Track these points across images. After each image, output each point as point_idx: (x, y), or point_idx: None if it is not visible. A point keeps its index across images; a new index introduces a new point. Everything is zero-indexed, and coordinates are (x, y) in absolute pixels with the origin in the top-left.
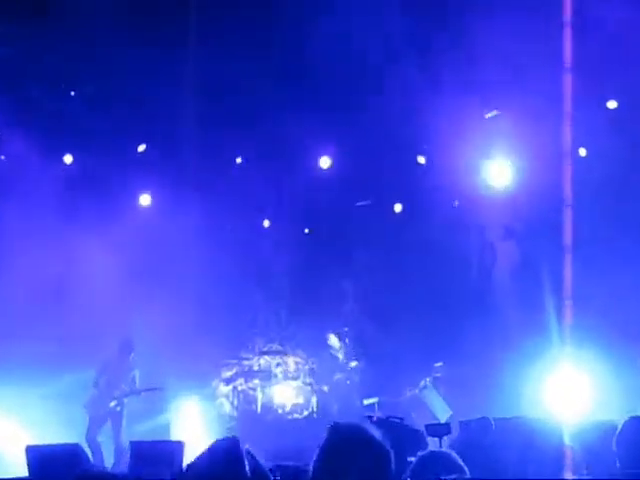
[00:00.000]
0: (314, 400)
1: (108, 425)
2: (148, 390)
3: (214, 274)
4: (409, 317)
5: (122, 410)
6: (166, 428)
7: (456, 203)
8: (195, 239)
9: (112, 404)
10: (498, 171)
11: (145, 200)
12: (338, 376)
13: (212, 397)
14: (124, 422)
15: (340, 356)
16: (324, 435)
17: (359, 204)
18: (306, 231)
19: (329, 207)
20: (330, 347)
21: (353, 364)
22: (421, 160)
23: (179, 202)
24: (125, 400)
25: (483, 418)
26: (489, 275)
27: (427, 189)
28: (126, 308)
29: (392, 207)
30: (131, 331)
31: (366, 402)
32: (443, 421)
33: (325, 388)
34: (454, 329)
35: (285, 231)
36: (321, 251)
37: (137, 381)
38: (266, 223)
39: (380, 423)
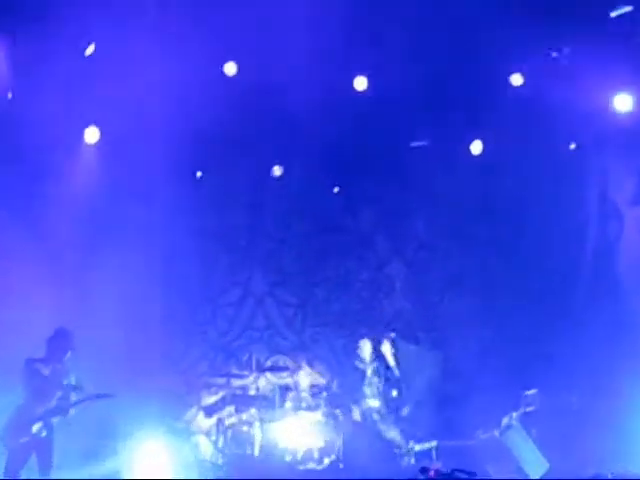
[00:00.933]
0: (339, 442)
1: (33, 459)
2: (91, 399)
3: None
4: (486, 317)
5: (50, 436)
6: (114, 477)
7: (572, 146)
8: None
9: (35, 428)
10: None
11: None
12: (372, 404)
13: (186, 434)
14: (52, 454)
15: (375, 377)
16: None
17: (415, 144)
18: (335, 190)
19: (373, 147)
20: (362, 361)
21: (394, 393)
22: (516, 80)
23: None
24: (54, 421)
25: (598, 476)
26: (612, 253)
27: (523, 121)
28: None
29: (467, 147)
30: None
31: (418, 447)
32: (536, 477)
33: (356, 421)
34: (556, 334)
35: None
36: (354, 210)
37: (74, 391)
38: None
39: (441, 476)
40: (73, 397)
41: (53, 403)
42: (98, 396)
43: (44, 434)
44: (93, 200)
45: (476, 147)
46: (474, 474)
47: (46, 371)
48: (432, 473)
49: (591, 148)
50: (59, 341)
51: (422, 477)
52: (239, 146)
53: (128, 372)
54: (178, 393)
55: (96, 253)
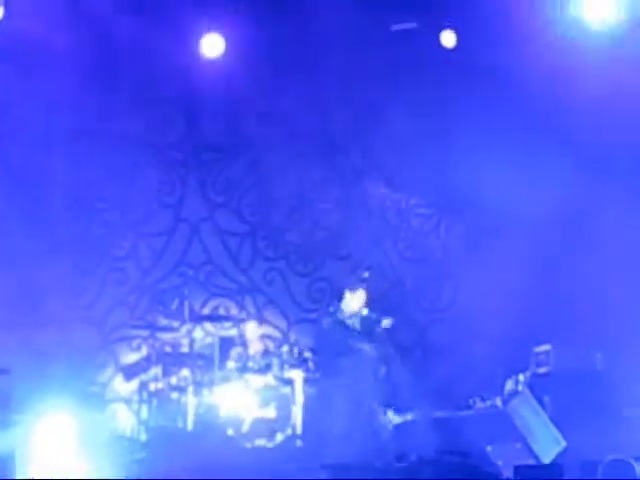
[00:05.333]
0: (296, 412)
1: None
2: None
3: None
4: (488, 244)
5: None
6: (8, 462)
7: None
8: None
9: None
10: None
11: None
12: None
13: (100, 401)
14: None
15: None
16: None
17: (396, 27)
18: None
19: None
20: (343, 309)
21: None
22: None
23: None
24: None
25: (620, 461)
26: None
27: None
28: None
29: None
30: None
31: (396, 419)
32: (548, 459)
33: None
34: (575, 279)
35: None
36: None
37: None
38: None
39: (425, 464)
40: None
41: None
42: None
43: None
44: None
45: None
46: (469, 456)
47: None
48: (413, 457)
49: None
50: None
51: (401, 464)
52: None
53: (24, 324)
54: (89, 349)
55: None
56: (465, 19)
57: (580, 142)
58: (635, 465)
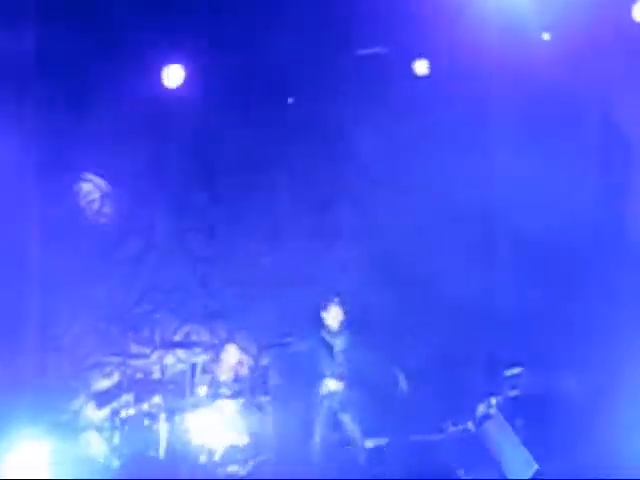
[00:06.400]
0: (268, 439)
1: None
2: None
3: None
4: (463, 274)
5: None
6: None
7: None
8: None
9: None
10: None
11: None
12: (332, 386)
13: (72, 430)
14: None
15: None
16: None
17: (362, 52)
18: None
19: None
20: (314, 334)
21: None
22: None
23: None
24: None
25: None
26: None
27: None
28: None
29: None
30: None
31: (369, 443)
32: None
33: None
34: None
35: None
36: (295, 141)
37: None
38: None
39: None
40: None
41: None
42: None
43: None
44: None
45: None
46: None
47: None
48: None
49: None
50: None
51: None
52: None
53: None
54: (61, 377)
55: None
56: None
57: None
58: None
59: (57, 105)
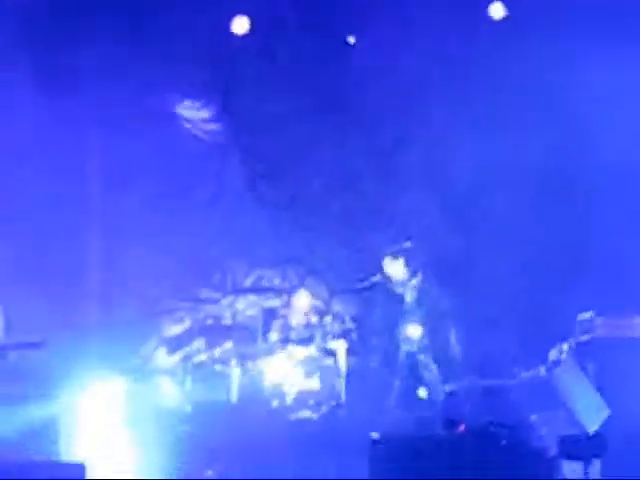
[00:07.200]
0: (339, 384)
1: None
2: (19, 347)
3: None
4: (533, 219)
5: None
6: (50, 431)
7: None
8: None
9: None
10: None
11: None
12: (412, 333)
13: (143, 374)
14: None
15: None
16: None
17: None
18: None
19: None
20: (387, 279)
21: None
22: None
23: None
24: None
25: None
26: None
27: None
28: None
29: None
30: None
31: (448, 387)
32: (593, 428)
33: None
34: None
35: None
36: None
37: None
38: None
39: (471, 435)
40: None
41: None
42: (26, 345)
43: None
44: None
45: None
46: (515, 428)
47: None
48: (462, 427)
49: None
50: None
51: (447, 432)
52: None
53: (64, 297)
54: (131, 321)
55: None
56: None
57: None
58: None
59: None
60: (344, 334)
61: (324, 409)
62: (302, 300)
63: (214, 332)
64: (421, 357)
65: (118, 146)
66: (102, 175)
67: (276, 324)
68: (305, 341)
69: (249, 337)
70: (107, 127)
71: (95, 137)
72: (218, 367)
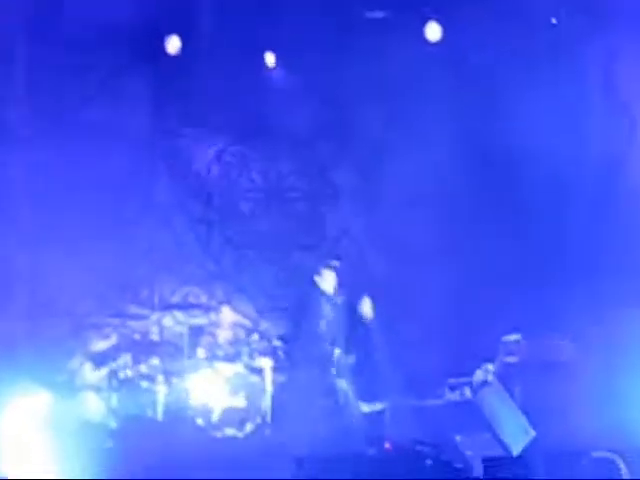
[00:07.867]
0: (265, 402)
1: None
2: None
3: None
4: (456, 247)
5: None
6: None
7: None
8: None
9: None
10: None
11: None
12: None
13: (69, 390)
14: None
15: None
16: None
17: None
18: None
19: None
20: (314, 297)
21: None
22: None
23: None
24: None
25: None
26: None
27: None
28: None
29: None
30: None
31: (367, 408)
32: (517, 450)
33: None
34: (544, 270)
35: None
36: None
37: None
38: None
39: (396, 454)
40: None
41: None
42: None
43: None
44: None
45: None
46: (440, 447)
47: None
48: (387, 445)
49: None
50: None
51: (373, 450)
52: None
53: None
54: (58, 337)
55: None
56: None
57: None
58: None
59: None
60: (271, 352)
61: (249, 427)
62: (229, 317)
63: (140, 348)
64: (347, 375)
65: (45, 161)
66: (28, 191)
67: (203, 341)
68: (231, 358)
69: (175, 353)
70: (34, 141)
71: (22, 151)
72: (144, 383)
